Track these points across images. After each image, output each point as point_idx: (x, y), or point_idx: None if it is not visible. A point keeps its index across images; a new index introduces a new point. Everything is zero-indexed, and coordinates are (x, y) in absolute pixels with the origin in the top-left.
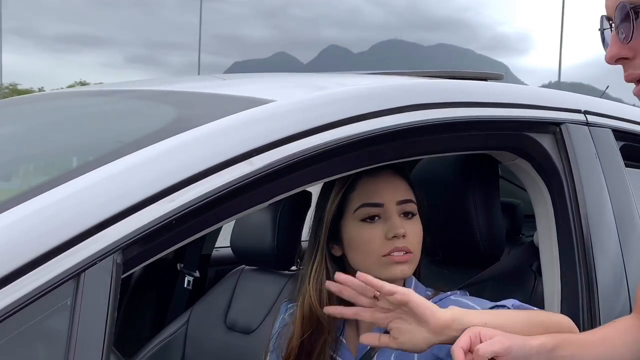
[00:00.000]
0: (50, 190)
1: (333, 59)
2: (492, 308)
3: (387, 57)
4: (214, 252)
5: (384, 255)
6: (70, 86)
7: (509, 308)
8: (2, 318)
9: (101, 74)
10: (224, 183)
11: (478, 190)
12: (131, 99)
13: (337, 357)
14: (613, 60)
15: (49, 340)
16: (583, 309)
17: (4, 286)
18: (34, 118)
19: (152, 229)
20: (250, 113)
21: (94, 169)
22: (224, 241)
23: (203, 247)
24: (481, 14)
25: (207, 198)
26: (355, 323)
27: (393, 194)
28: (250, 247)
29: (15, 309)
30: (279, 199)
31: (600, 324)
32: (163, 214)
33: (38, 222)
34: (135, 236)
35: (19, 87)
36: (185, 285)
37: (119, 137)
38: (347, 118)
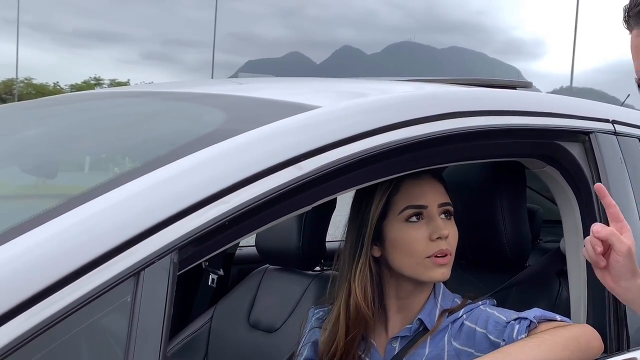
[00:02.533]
0: (111, 192)
1: (346, 60)
2: (515, 319)
3: (399, 59)
4: (238, 251)
5: (428, 257)
6: (85, 81)
7: (531, 320)
8: (68, 314)
9: (116, 70)
10: (274, 186)
11: (505, 195)
12: (180, 100)
13: (366, 358)
14: None
15: (110, 334)
16: (610, 314)
17: (70, 283)
18: (87, 117)
19: (206, 229)
20: (298, 119)
21: (151, 171)
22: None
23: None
24: (495, 17)
25: (259, 200)
26: (385, 322)
27: (435, 196)
28: (276, 247)
29: (80, 305)
30: (325, 201)
31: (627, 329)
32: (217, 215)
33: (100, 223)
34: (191, 236)
35: (34, 82)
36: (210, 283)
37: (172, 140)
38: (390, 125)
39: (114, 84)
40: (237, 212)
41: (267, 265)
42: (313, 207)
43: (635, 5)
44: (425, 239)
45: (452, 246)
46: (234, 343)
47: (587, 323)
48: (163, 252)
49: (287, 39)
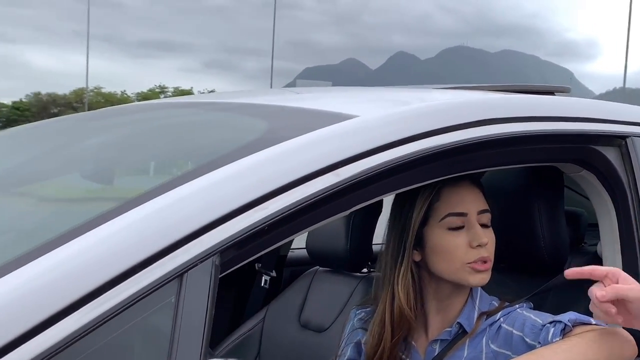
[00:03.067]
0: (158, 198)
1: (400, 65)
2: (551, 322)
3: (453, 63)
4: (290, 253)
5: (468, 263)
6: (150, 90)
7: (566, 324)
8: (117, 312)
9: (179, 79)
10: (311, 192)
11: (543, 199)
12: (226, 111)
13: (407, 359)
14: None
15: (155, 333)
16: None
17: (119, 284)
18: (139, 126)
19: (247, 234)
20: (336, 128)
21: (196, 177)
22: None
23: (280, 248)
24: (548, 20)
25: (297, 206)
26: (424, 325)
27: (475, 204)
28: (325, 249)
29: (128, 305)
30: (362, 206)
31: None
32: (257, 220)
33: (146, 227)
34: (232, 240)
35: (103, 91)
36: (262, 284)
37: (217, 148)
38: (425, 132)
39: (177, 91)
40: (275, 217)
41: (317, 267)
42: (360, 211)
43: None
44: (465, 246)
45: (490, 252)
46: (285, 342)
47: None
48: (205, 255)
49: (344, 45)
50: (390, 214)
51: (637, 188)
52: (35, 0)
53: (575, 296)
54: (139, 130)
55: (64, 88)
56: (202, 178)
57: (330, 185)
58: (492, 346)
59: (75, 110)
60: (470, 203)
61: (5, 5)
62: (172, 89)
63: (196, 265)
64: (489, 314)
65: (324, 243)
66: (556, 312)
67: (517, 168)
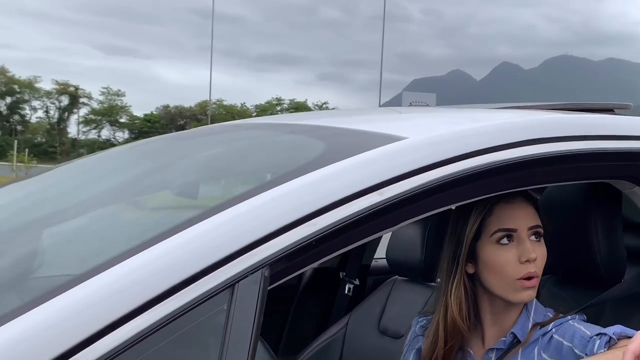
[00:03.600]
0: (216, 215)
1: (505, 76)
2: (597, 335)
3: (556, 73)
4: (373, 263)
5: (518, 279)
6: (267, 102)
7: (611, 336)
8: (175, 317)
9: (295, 91)
10: (356, 210)
11: (600, 215)
12: (292, 133)
13: None
14: None
15: (209, 336)
16: None
17: (178, 291)
18: (214, 147)
19: (295, 248)
20: (384, 149)
21: (253, 196)
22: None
23: (363, 258)
24: None
25: (342, 223)
26: (481, 334)
27: (525, 219)
28: (402, 260)
29: (185, 310)
30: (405, 224)
31: None
32: (305, 235)
33: (204, 242)
34: (281, 254)
35: (225, 103)
36: (346, 292)
37: (276, 168)
38: (472, 152)
39: (292, 103)
40: (322, 233)
41: (397, 276)
42: (435, 223)
43: None
44: (515, 262)
45: (539, 268)
46: (364, 347)
47: None
48: (255, 268)
49: (449, 57)
50: (449, 228)
51: None
52: (165, 17)
53: (633, 309)
54: (214, 151)
55: (189, 101)
56: (259, 196)
57: (374, 204)
58: (543, 355)
59: (199, 121)
60: (521, 219)
61: (139, 22)
62: (287, 101)
63: (247, 276)
64: (542, 324)
65: (402, 254)
66: (612, 325)
67: (576, 185)
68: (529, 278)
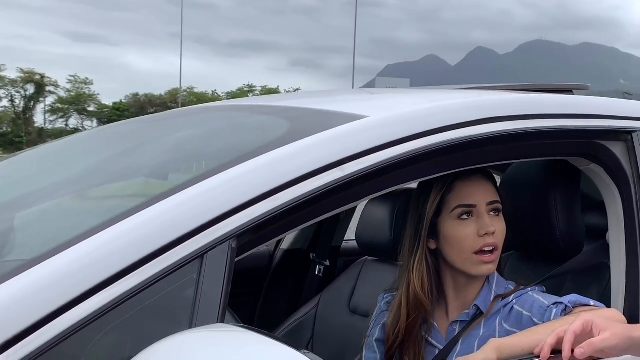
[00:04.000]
0: (185, 190)
1: (479, 61)
2: (554, 303)
3: (531, 57)
4: (344, 244)
5: (475, 253)
6: (239, 89)
7: (566, 304)
8: (148, 285)
9: (267, 77)
10: (319, 185)
11: (559, 191)
12: (258, 114)
13: (429, 338)
14: None
15: (180, 304)
16: None
17: (151, 261)
18: (184, 130)
19: (260, 221)
20: (345, 128)
21: (220, 172)
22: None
23: (333, 240)
24: (631, 12)
25: (306, 197)
26: (445, 307)
27: (484, 195)
28: (372, 240)
29: (158, 278)
30: (368, 199)
31: None
32: (269, 209)
33: (174, 215)
34: (247, 226)
35: (195, 90)
36: (317, 273)
37: (242, 147)
38: (431, 130)
39: (264, 90)
40: (286, 207)
41: (367, 257)
42: (403, 203)
43: None
44: (474, 235)
45: (499, 240)
46: (335, 326)
47: (624, 310)
48: (223, 239)
49: (424, 42)
50: (410, 206)
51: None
52: (134, 4)
53: (590, 281)
54: (184, 133)
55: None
56: (224, 173)
57: (336, 180)
58: (504, 325)
59: (170, 109)
60: (480, 195)
61: (107, 9)
62: (259, 88)
63: (215, 247)
64: (503, 296)
65: (371, 235)
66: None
67: (537, 163)
68: (488, 252)
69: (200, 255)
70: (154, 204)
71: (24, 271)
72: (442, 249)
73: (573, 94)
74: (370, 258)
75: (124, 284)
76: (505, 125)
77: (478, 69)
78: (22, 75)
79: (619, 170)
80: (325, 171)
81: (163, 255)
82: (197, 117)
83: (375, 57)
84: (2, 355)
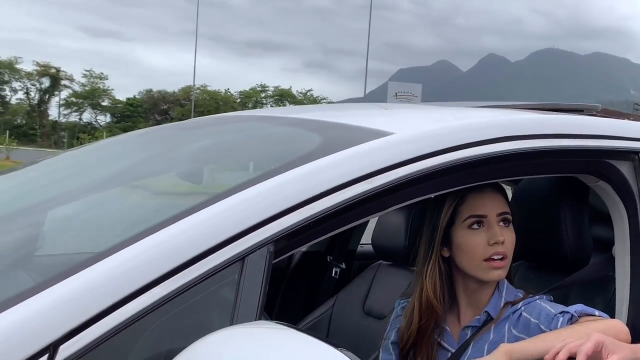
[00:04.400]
0: (228, 198)
1: (491, 67)
2: (561, 312)
3: (542, 65)
4: (359, 248)
5: (485, 260)
6: (252, 88)
7: (573, 314)
8: (193, 284)
9: (280, 77)
10: (349, 196)
11: (568, 206)
12: (292, 125)
13: (442, 341)
14: None
15: (222, 302)
16: None
17: (197, 262)
18: (220, 136)
19: (296, 227)
20: (373, 144)
21: (260, 182)
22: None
23: (350, 243)
24: None
25: (337, 207)
26: (457, 313)
27: (494, 207)
28: (387, 245)
29: (202, 279)
30: (391, 210)
31: None
32: (305, 217)
33: (219, 220)
34: (284, 232)
35: (209, 88)
36: (333, 275)
37: (279, 158)
38: (450, 147)
39: (277, 90)
40: (320, 215)
41: (381, 261)
42: (418, 210)
43: None
44: (484, 244)
45: (508, 249)
46: (350, 327)
47: (627, 321)
48: (262, 243)
49: (437, 47)
50: (426, 216)
51: None
52: (150, 0)
53: (596, 292)
54: (222, 140)
55: (173, 85)
56: (265, 182)
57: (364, 192)
58: (513, 331)
59: (183, 106)
60: (490, 206)
61: (123, 4)
62: (272, 88)
63: (255, 251)
64: (512, 303)
65: (386, 240)
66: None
67: (547, 179)
68: (498, 259)
69: (241, 258)
70: (201, 209)
71: (89, 265)
72: (455, 257)
73: (584, 114)
74: (384, 262)
75: (173, 283)
76: (520, 144)
77: (489, 75)
78: (38, 68)
79: (625, 188)
80: (355, 183)
81: (208, 257)
82: (233, 125)
83: (388, 61)
84: (61, 346)
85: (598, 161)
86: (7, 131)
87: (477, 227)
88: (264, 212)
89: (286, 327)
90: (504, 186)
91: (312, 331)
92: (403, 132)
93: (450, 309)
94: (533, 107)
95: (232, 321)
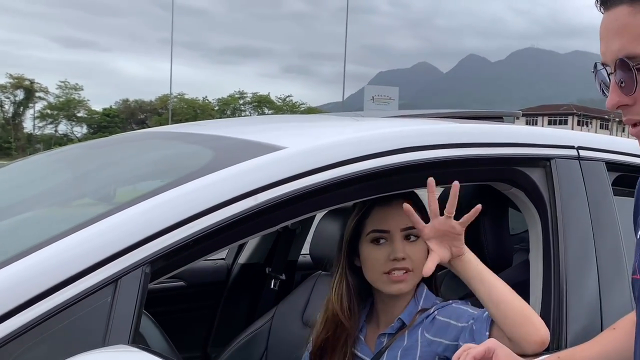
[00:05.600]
0: (103, 220)
1: (471, 68)
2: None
3: (523, 65)
4: (301, 258)
5: (385, 273)
6: (230, 95)
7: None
8: (68, 305)
9: (258, 84)
10: (232, 214)
11: (487, 214)
12: (185, 142)
13: (357, 352)
14: (615, 107)
15: (95, 324)
16: (552, 324)
17: (73, 282)
18: (111, 156)
19: (173, 248)
20: (260, 160)
21: (137, 203)
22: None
23: (289, 254)
24: None
25: (219, 225)
26: (377, 323)
27: (399, 221)
28: (323, 255)
29: (74, 302)
30: (282, 226)
31: (566, 346)
32: (182, 237)
33: (91, 242)
34: (160, 253)
35: (186, 97)
36: (272, 287)
37: (164, 176)
38: (344, 160)
39: (255, 97)
40: (199, 234)
41: (320, 271)
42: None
43: None
44: (385, 259)
45: (415, 264)
46: (288, 338)
47: None
48: (136, 265)
49: (416, 49)
50: None
51: (556, 205)
52: (125, 9)
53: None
54: (110, 160)
55: (150, 95)
56: (142, 203)
57: (249, 208)
58: (426, 335)
59: (160, 115)
60: (394, 221)
61: (98, 14)
62: (250, 94)
63: (128, 272)
64: (425, 309)
65: (323, 250)
66: None
67: (467, 187)
68: (399, 273)
69: (114, 280)
70: (73, 232)
71: None
72: (363, 268)
73: (503, 121)
74: (324, 272)
75: (43, 306)
76: (426, 154)
77: (470, 76)
78: (12, 80)
79: (537, 194)
80: (239, 200)
81: (81, 279)
82: (130, 144)
83: (367, 64)
84: None
85: (509, 169)
86: None
87: (380, 241)
88: (138, 233)
89: (139, 350)
90: None
91: (251, 344)
92: (295, 146)
93: (369, 318)
94: (453, 115)
95: (104, 344)
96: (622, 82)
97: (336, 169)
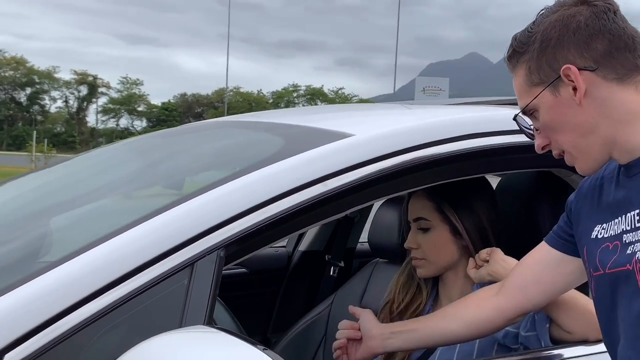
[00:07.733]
0: (180, 205)
1: None
2: None
3: None
4: (359, 246)
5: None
6: (284, 88)
7: None
8: (147, 287)
9: (313, 77)
10: (303, 199)
11: (545, 200)
12: (256, 130)
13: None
14: (543, 150)
15: (172, 306)
16: None
17: (151, 266)
18: (183, 145)
19: (247, 232)
20: (329, 147)
21: (214, 188)
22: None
23: (348, 242)
24: None
25: (290, 210)
26: (439, 304)
27: (413, 212)
28: (381, 243)
29: (155, 282)
30: (350, 212)
31: None
32: (256, 222)
33: (170, 227)
34: (234, 237)
35: (242, 90)
36: (331, 273)
37: (236, 163)
38: (411, 147)
39: (309, 89)
40: (272, 219)
41: (378, 259)
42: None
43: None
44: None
45: (426, 253)
46: None
47: None
48: (212, 249)
49: (467, 40)
50: None
51: None
52: (184, 5)
53: None
54: (184, 148)
55: (206, 89)
56: (218, 189)
57: (319, 194)
58: None
59: (216, 109)
60: (412, 212)
61: (158, 10)
62: (304, 87)
63: (204, 256)
64: None
65: (380, 237)
66: None
67: (526, 173)
68: (414, 260)
69: (190, 263)
70: (152, 217)
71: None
72: None
73: None
74: (381, 260)
75: (124, 288)
76: (494, 140)
77: None
78: (76, 76)
79: None
80: (309, 187)
81: (158, 263)
82: (200, 134)
83: (418, 56)
84: (7, 355)
85: None
86: (46, 139)
87: (409, 230)
88: (215, 217)
89: (217, 331)
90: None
91: (310, 329)
92: (362, 134)
93: (435, 302)
94: (510, 102)
95: (180, 325)
96: (537, 129)
97: (401, 155)
